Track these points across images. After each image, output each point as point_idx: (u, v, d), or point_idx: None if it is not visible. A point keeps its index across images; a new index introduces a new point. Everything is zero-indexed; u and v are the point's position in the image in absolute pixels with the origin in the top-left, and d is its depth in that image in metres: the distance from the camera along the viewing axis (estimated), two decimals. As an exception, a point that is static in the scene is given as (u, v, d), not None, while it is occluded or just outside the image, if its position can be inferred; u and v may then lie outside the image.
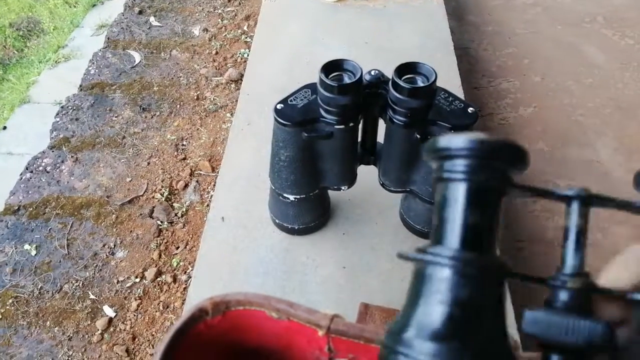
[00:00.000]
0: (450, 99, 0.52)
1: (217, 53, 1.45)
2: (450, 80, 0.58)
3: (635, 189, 0.21)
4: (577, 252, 0.20)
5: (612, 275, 0.22)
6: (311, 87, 0.53)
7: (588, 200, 0.20)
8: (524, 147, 0.20)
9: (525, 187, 0.21)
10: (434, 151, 0.21)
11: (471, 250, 0.20)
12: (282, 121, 0.52)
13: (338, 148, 0.54)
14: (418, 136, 0.51)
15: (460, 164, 0.20)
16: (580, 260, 0.20)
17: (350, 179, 0.58)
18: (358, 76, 0.48)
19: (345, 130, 0.52)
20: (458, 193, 0.20)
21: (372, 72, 0.51)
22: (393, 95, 0.49)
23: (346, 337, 0.32)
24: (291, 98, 0.53)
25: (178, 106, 1.30)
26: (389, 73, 0.50)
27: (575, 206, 0.21)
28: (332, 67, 0.50)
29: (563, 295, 0.20)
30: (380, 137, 0.57)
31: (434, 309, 0.19)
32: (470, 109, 0.52)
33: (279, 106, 0.52)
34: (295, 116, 0.52)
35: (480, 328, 0.19)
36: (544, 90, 1.05)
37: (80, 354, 0.88)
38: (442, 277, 0.19)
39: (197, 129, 1.24)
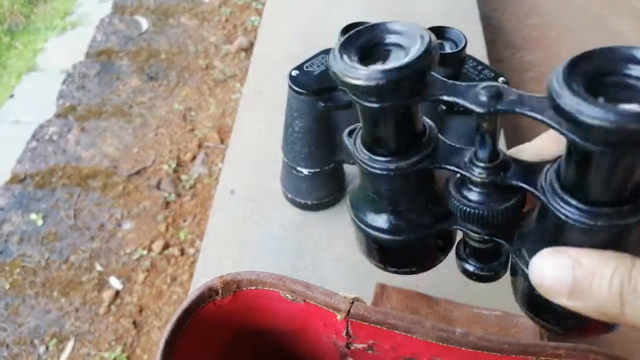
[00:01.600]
0: (480, 67, 0.49)
1: (226, 20, 1.41)
2: (475, 50, 0.54)
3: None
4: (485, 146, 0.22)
5: (537, 144, 0.22)
6: (329, 52, 0.50)
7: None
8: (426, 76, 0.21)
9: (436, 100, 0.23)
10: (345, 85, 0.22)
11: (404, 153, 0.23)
12: (297, 89, 0.49)
13: (356, 119, 0.51)
14: (444, 108, 0.47)
15: (370, 95, 0.21)
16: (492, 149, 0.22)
17: (367, 153, 0.55)
18: (380, 40, 0.45)
19: (365, 100, 0.49)
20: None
21: (396, 37, 0.47)
22: (418, 62, 0.45)
23: (367, 322, 0.29)
24: (307, 64, 0.50)
25: (186, 75, 1.26)
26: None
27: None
28: (353, 31, 0.46)
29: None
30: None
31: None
32: (500, 79, 0.48)
33: (294, 73, 0.49)
34: (312, 84, 0.48)
35: (412, 198, 0.24)
36: (569, 64, 1.00)
37: (87, 325, 0.87)
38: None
39: (206, 99, 1.21)
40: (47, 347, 0.85)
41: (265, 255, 0.56)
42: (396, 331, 0.29)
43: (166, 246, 0.96)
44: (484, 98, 0.20)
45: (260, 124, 0.70)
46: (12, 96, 1.33)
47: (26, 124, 1.21)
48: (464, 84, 0.21)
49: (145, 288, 0.91)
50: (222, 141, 1.11)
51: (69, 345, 0.85)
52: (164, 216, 1.00)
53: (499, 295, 0.52)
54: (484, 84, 0.21)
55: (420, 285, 0.51)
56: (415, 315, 0.30)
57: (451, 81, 0.22)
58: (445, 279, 0.54)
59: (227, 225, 0.59)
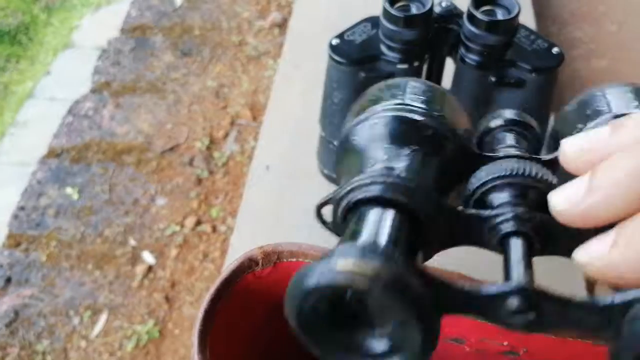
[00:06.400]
0: (532, 37, 0.46)
1: (260, -4, 1.39)
2: (523, 22, 0.52)
3: None
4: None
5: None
6: (372, 20, 0.47)
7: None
8: None
9: None
10: None
11: None
12: (337, 59, 0.46)
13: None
14: (493, 79, 0.45)
15: None
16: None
17: (408, 128, 0.53)
18: (428, 7, 0.42)
19: (409, 70, 0.46)
20: None
21: (444, 4, 0.45)
22: (467, 30, 0.42)
23: (415, 299, 0.28)
24: (348, 33, 0.47)
25: (219, 51, 1.25)
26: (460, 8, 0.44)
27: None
28: (398, -4, 0.44)
29: None
30: (445, 84, 0.51)
31: None
32: (555, 49, 0.45)
33: (334, 42, 0.47)
34: (353, 53, 0.46)
35: None
36: (620, 40, 0.95)
37: (120, 298, 0.89)
38: None
39: (238, 76, 1.20)
40: (81, 318, 0.87)
41: (300, 232, 0.55)
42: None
43: (198, 223, 0.96)
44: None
45: (296, 98, 0.68)
46: (48, 73, 1.35)
47: (62, 99, 1.23)
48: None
49: (177, 263, 0.92)
50: (254, 119, 1.10)
51: (103, 317, 0.87)
52: (197, 193, 1.00)
53: (545, 279, 0.50)
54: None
55: (462, 267, 0.49)
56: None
57: None
58: (489, 261, 0.52)
59: (262, 201, 0.58)
